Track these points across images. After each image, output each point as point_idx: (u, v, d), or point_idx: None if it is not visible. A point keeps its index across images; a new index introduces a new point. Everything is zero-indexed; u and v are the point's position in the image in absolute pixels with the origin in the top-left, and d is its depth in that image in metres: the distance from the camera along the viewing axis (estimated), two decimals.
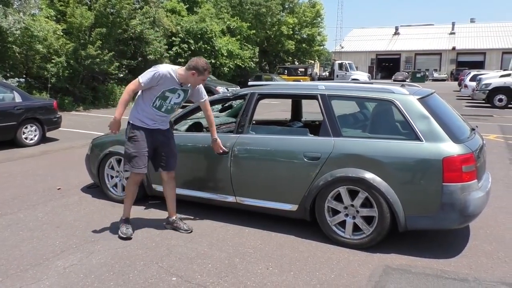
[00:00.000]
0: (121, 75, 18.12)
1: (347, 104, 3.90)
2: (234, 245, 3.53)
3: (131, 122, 3.62)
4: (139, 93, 3.62)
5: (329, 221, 3.55)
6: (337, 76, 33.87)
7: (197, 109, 4.18)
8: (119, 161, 4.61)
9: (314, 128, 4.33)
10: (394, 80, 49.75)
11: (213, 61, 24.03)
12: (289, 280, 2.95)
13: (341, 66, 34.61)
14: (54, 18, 15.30)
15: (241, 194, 3.93)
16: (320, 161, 3.52)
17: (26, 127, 8.01)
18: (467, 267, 3.16)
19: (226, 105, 5.16)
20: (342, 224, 3.53)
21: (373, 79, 55.32)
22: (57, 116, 8.71)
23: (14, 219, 4.10)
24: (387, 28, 69.38)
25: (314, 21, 37.32)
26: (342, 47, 66.94)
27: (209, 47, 23.50)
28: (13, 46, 12.68)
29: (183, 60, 22.51)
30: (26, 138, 8.03)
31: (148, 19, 18.28)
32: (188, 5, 25.13)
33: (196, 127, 4.85)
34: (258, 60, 32.72)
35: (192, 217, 4.10)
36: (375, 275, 3.03)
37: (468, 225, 3.95)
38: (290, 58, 38.61)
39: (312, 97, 3.82)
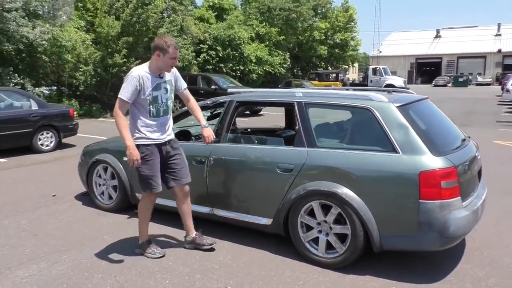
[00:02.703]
0: None
1: (327, 112, 3.65)
2: (201, 260, 3.37)
3: (137, 144, 3.22)
4: (132, 110, 3.27)
5: (302, 237, 3.32)
6: (371, 81, 33.00)
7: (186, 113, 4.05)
8: (105, 169, 4.61)
9: None
10: (435, 85, 47.86)
11: (241, 67, 24.14)
12: None
13: (375, 71, 33.72)
14: (84, 28, 15.91)
15: (217, 205, 3.79)
16: (292, 173, 3.31)
17: (42, 134, 8.28)
18: None
19: (215, 112, 5.03)
20: (316, 241, 3.29)
21: (413, 84, 53.60)
22: (74, 123, 8.95)
23: None
24: (428, 31, 67.12)
25: (347, 25, 36.67)
26: (380, 52, 65.37)
27: (237, 54, 23.61)
28: (43, 56, 13.25)
29: (211, 66, 22.76)
30: (42, 145, 8.29)
31: (176, 27, 18.61)
32: (216, 13, 25.42)
33: (184, 135, 4.75)
34: (290, 66, 32.55)
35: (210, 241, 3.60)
36: None
37: (464, 245, 3.60)
38: (323, 63, 38.12)
39: (289, 104, 3.62)
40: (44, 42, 12.23)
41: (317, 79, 31.52)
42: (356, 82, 41.45)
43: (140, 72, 3.20)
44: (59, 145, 8.66)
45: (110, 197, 4.61)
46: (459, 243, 3.41)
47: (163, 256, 3.42)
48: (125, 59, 15.24)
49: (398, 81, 32.51)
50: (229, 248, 3.59)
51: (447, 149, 3.06)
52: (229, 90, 4.33)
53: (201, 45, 22.19)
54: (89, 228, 4.10)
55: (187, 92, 3.58)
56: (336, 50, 37.01)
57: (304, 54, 35.07)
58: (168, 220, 4.11)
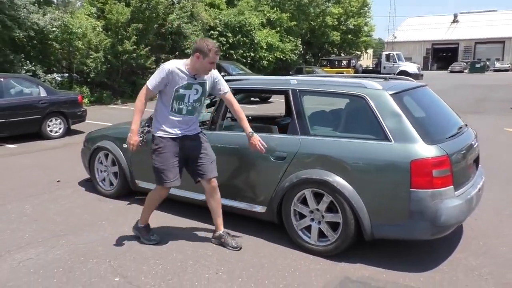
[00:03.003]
0: None
1: (323, 100, 3.61)
2: (195, 247, 3.41)
3: (154, 134, 3.28)
4: (157, 100, 3.30)
5: (295, 225, 3.32)
6: (384, 67, 32.37)
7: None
8: (106, 156, 4.67)
9: None
10: (451, 71, 46.84)
11: (252, 54, 23.96)
12: None
13: (388, 57, 33.01)
14: (95, 15, 15.96)
15: None
16: (286, 161, 3.30)
17: (51, 120, 8.41)
18: (437, 284, 2.81)
19: (214, 100, 5.01)
20: (309, 229, 3.29)
21: (428, 70, 52.52)
22: (82, 109, 9.07)
23: (1, 211, 4.27)
24: (445, 16, 65.53)
25: (361, 10, 35.95)
26: (395, 37, 64.14)
27: (248, 40, 23.42)
28: (54, 43, 13.37)
29: (221, 53, 22.60)
30: (51, 131, 8.43)
31: (186, 14, 18.53)
32: None
33: None
34: (302, 52, 32.13)
35: (239, 235, 3.59)
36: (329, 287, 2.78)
37: (461, 234, 3.56)
38: (336, 49, 37.56)
39: (284, 92, 3.59)
40: (54, 29, 12.34)
41: (328, 65, 31.10)
42: (369, 68, 40.81)
43: (171, 67, 3.15)
44: (68, 132, 8.80)
45: (111, 184, 4.68)
46: (455, 232, 3.38)
47: (158, 242, 3.47)
48: (135, 46, 15.30)
49: (412, 67, 31.84)
50: None
51: (441, 137, 3.01)
52: (225, 78, 4.31)
53: (212, 32, 22.04)
54: (90, 214, 4.17)
55: (230, 96, 3.41)
56: (349, 36, 36.39)
57: (316, 40, 34.59)
58: (170, 208, 4.14)
